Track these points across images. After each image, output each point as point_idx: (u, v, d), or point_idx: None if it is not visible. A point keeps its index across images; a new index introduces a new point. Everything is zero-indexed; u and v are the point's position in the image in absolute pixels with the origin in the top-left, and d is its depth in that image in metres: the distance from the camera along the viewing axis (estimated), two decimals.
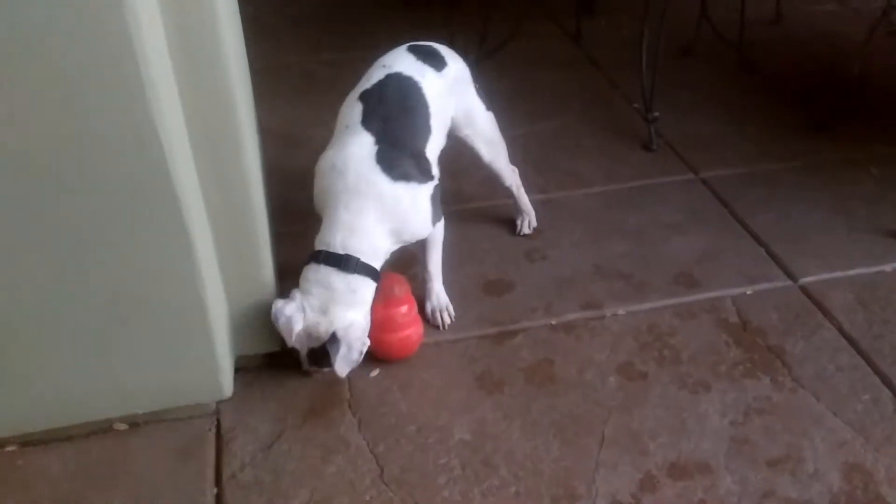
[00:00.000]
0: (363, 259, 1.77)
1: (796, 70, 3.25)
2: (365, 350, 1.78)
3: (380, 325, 1.83)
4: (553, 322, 2.02)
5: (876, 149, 2.71)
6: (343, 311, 1.75)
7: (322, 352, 1.73)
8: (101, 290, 1.57)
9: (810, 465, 1.66)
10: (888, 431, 1.73)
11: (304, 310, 1.75)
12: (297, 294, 1.78)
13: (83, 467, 1.66)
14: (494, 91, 2.80)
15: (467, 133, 2.13)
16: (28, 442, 1.70)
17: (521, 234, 2.34)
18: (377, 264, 1.80)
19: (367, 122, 1.84)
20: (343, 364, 1.73)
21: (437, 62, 2.02)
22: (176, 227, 1.53)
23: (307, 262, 1.80)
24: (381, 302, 1.82)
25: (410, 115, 1.90)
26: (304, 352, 1.79)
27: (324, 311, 1.74)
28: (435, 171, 1.93)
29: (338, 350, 1.72)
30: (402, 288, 1.89)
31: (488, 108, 2.18)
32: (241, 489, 1.61)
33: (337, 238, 1.78)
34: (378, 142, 1.81)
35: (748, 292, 2.12)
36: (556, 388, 1.84)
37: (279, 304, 1.76)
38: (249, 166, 1.66)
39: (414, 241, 1.90)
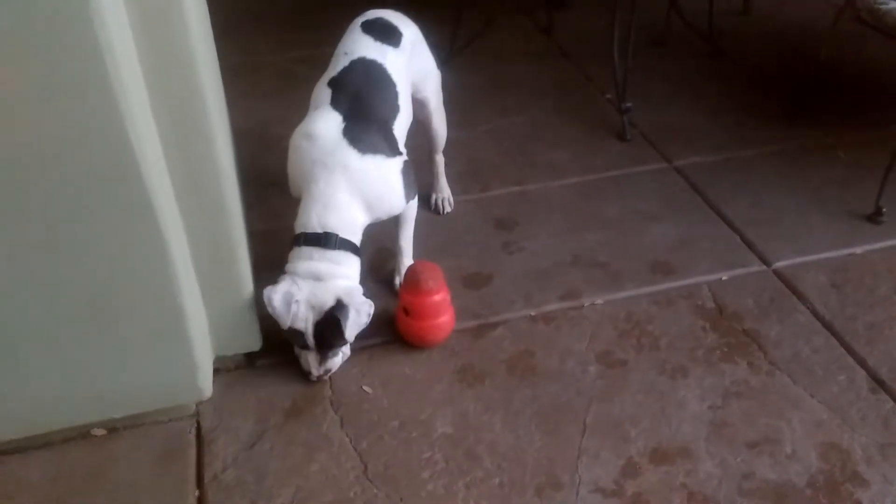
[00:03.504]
0: (342, 235, 1.80)
1: (766, 58, 3.28)
2: (371, 313, 1.80)
3: (418, 312, 1.87)
4: (532, 313, 2.03)
5: (846, 133, 2.74)
6: (336, 281, 1.78)
7: (331, 322, 1.74)
8: (75, 295, 1.55)
9: (788, 447, 1.68)
10: (864, 411, 1.76)
11: (297, 286, 1.77)
12: (285, 277, 1.81)
13: (63, 474, 1.64)
14: (467, 85, 2.80)
15: (424, 95, 2.18)
16: (6, 450, 1.68)
17: (444, 212, 2.37)
18: (356, 239, 1.83)
19: (336, 102, 1.88)
20: (353, 329, 1.76)
21: (393, 39, 2.05)
22: (149, 229, 1.51)
23: (290, 248, 1.83)
24: (417, 290, 1.86)
25: (377, 95, 1.94)
26: (309, 329, 1.76)
27: (318, 283, 1.77)
28: (402, 148, 1.96)
29: (347, 315, 1.74)
30: (436, 276, 1.90)
31: (438, 67, 2.24)
32: (224, 490, 1.61)
33: (313, 217, 1.80)
34: (346, 118, 1.85)
35: (723, 278, 2.14)
36: (537, 379, 1.85)
37: (268, 289, 1.78)
38: (222, 166, 1.65)
39: (388, 216, 1.93)
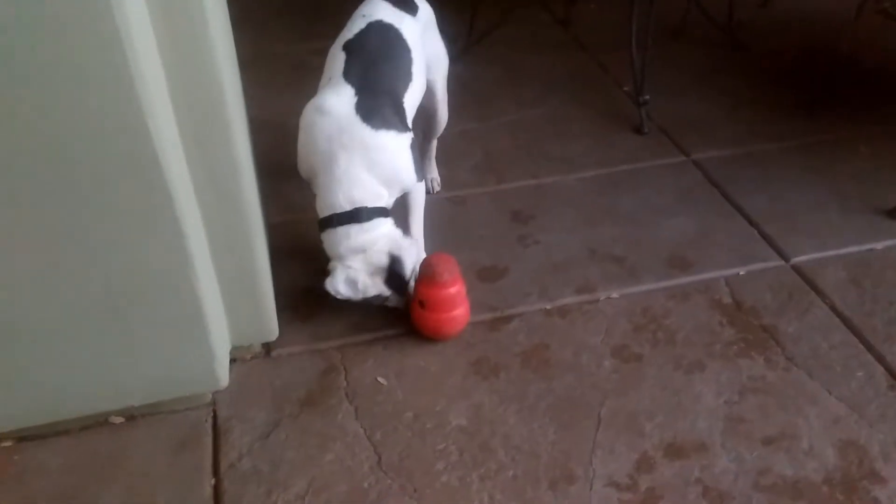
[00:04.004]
0: (370, 205, 1.83)
1: (786, 51, 3.25)
2: (415, 244, 1.94)
3: (434, 305, 1.88)
4: (548, 307, 2.02)
5: (866, 127, 2.71)
6: (379, 243, 1.85)
7: (397, 275, 1.86)
8: (94, 285, 1.56)
9: (805, 443, 1.67)
10: (882, 408, 1.74)
11: (351, 268, 1.83)
12: (335, 265, 1.85)
13: (80, 461, 1.66)
14: (483, 77, 2.79)
15: (433, 78, 2.19)
16: (24, 437, 1.69)
17: (434, 192, 2.41)
18: (384, 205, 1.88)
19: (349, 73, 1.88)
20: (411, 268, 1.89)
21: (410, 7, 2.07)
22: (168, 219, 1.52)
23: (322, 233, 1.86)
24: (434, 283, 1.87)
25: (392, 62, 1.94)
26: (384, 290, 1.87)
27: (366, 253, 1.84)
28: (410, 124, 1.97)
29: (403, 262, 1.86)
30: (452, 269, 1.90)
31: (447, 53, 2.27)
32: (240, 479, 1.62)
33: (339, 197, 1.82)
34: (358, 92, 1.84)
35: (741, 273, 2.13)
36: (552, 373, 1.84)
37: (328, 283, 1.84)
38: (240, 157, 1.65)
39: (404, 191, 1.96)
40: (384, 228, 1.87)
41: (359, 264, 1.84)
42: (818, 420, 1.72)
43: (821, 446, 1.66)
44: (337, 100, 1.84)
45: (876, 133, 2.68)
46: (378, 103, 1.85)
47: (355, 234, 1.83)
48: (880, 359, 1.86)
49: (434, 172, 2.43)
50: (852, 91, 2.87)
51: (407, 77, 1.96)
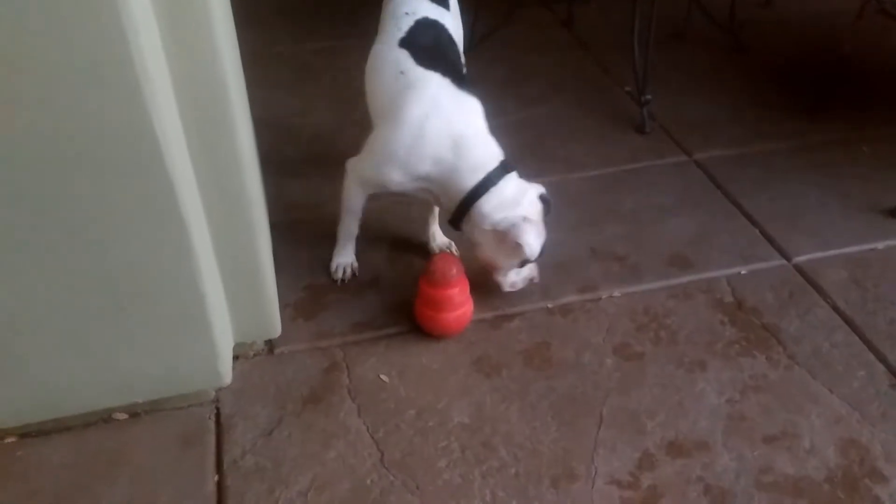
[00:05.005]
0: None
1: (788, 51, 3.25)
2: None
3: (438, 304, 1.89)
4: (550, 305, 2.03)
5: (869, 128, 2.72)
6: (528, 190, 1.95)
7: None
8: (98, 280, 1.56)
9: (807, 442, 1.67)
10: (884, 407, 1.75)
11: (529, 220, 1.88)
12: (517, 221, 1.86)
13: (84, 457, 1.66)
14: (486, 77, 2.79)
15: None
16: (28, 433, 1.70)
17: None
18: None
19: (424, 63, 1.91)
20: None
21: (445, 3, 2.13)
22: (172, 216, 1.53)
23: (478, 199, 1.87)
24: (440, 283, 1.87)
25: (449, 52, 2.01)
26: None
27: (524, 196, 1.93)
28: None
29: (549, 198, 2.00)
30: (458, 269, 1.91)
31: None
32: (243, 476, 1.62)
33: (486, 156, 1.90)
34: (445, 74, 1.91)
35: (743, 272, 2.13)
36: (554, 371, 1.85)
37: (525, 241, 1.85)
38: (244, 154, 1.66)
39: None
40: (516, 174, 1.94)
41: (532, 210, 1.92)
42: (819, 419, 1.72)
43: (822, 445, 1.67)
44: (438, 88, 1.87)
45: (877, 133, 2.68)
46: (460, 78, 1.94)
47: (513, 183, 1.91)
48: (882, 358, 1.86)
49: None
50: (854, 91, 2.87)
51: (461, 65, 2.04)
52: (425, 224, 2.17)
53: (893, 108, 2.82)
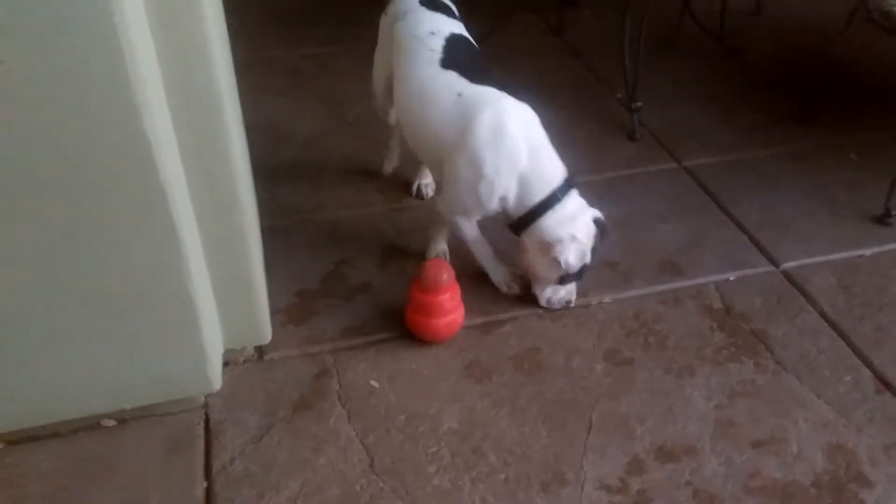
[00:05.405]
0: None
1: (778, 58, 3.28)
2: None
3: (429, 310, 1.89)
4: (540, 311, 2.04)
5: (857, 135, 2.74)
6: (585, 209, 1.98)
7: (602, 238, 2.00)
8: (87, 286, 1.56)
9: (794, 446, 1.68)
10: (870, 412, 1.76)
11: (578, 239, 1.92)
12: (565, 236, 1.89)
13: (72, 464, 1.66)
14: None
15: None
16: (16, 440, 1.69)
17: (427, 197, 2.43)
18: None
19: (476, 80, 1.93)
20: None
21: (454, 14, 2.18)
22: (163, 222, 1.53)
23: (552, 208, 1.90)
24: (431, 289, 1.87)
25: (484, 63, 2.05)
26: (588, 257, 1.96)
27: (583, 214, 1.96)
28: None
29: (605, 224, 2.01)
30: (449, 275, 1.91)
31: None
32: (232, 482, 1.62)
33: (552, 168, 1.93)
34: (496, 86, 1.94)
35: (731, 278, 2.14)
36: (544, 376, 1.85)
37: (562, 257, 1.89)
38: (236, 160, 1.66)
39: None
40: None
41: (585, 230, 1.93)
42: (807, 424, 1.73)
43: (809, 450, 1.68)
44: (504, 102, 1.90)
45: (866, 140, 2.70)
46: (507, 88, 1.96)
47: (574, 199, 1.94)
48: (868, 363, 1.88)
49: (428, 178, 2.44)
50: (843, 98, 2.89)
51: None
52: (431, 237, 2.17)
53: (881, 115, 2.84)
